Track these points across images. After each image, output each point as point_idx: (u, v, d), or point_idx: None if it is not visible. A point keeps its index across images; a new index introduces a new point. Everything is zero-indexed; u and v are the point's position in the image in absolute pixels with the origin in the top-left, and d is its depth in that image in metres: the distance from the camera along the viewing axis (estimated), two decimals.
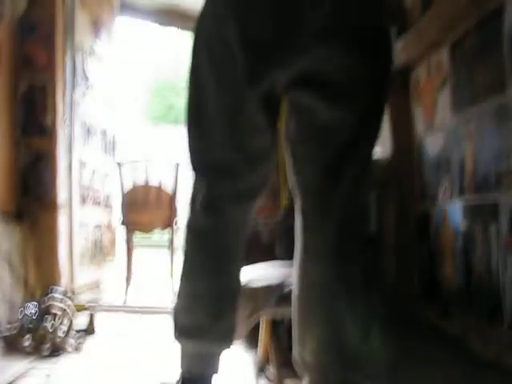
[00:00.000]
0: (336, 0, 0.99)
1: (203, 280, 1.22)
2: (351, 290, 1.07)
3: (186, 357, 1.25)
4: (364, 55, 1.02)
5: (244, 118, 1.09)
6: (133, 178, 3.50)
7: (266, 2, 1.00)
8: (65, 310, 2.16)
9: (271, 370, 1.68)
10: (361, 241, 1.11)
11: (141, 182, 3.48)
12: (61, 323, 2.12)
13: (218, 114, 1.11)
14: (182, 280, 1.27)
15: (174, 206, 3.47)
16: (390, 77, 1.11)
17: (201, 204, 1.20)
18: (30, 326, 2.08)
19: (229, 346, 1.27)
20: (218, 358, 1.27)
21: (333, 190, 1.07)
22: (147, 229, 3.67)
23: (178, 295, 1.27)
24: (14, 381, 1.71)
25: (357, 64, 1.01)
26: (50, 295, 2.28)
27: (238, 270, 1.29)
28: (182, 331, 1.24)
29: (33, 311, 2.14)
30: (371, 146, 1.15)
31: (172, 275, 3.37)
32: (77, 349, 2.08)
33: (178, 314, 1.26)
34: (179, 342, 1.26)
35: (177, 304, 1.27)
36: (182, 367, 1.25)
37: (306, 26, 0.98)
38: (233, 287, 1.27)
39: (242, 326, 1.55)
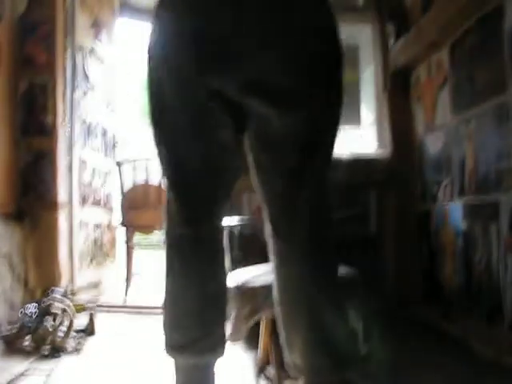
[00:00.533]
0: (275, 7, 0.97)
1: (187, 293, 1.21)
2: (328, 290, 1.07)
3: (179, 371, 1.24)
4: (310, 59, 1.00)
5: (200, 108, 1.06)
6: (133, 177, 3.49)
7: (213, 6, 0.98)
8: (65, 310, 2.16)
9: (271, 370, 1.68)
10: (331, 241, 1.11)
11: (141, 181, 3.48)
12: (61, 323, 2.11)
13: (177, 112, 1.09)
14: (166, 294, 1.25)
15: None
16: (340, 74, 1.10)
17: (176, 213, 1.19)
18: (30, 326, 2.08)
19: (222, 355, 1.27)
20: (213, 368, 1.26)
21: (297, 196, 1.07)
22: (147, 230, 3.66)
23: (165, 310, 1.26)
24: (14, 381, 1.71)
25: (303, 68, 1.00)
26: (50, 295, 2.28)
27: (223, 277, 1.28)
28: (173, 347, 1.23)
29: (33, 311, 2.14)
30: (329, 148, 1.12)
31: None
32: (77, 349, 2.07)
33: (167, 328, 1.25)
34: (171, 357, 1.25)
35: (164, 318, 1.25)
36: (177, 382, 1.24)
37: (247, 34, 0.97)
38: (219, 295, 1.26)
39: (242, 326, 1.55)
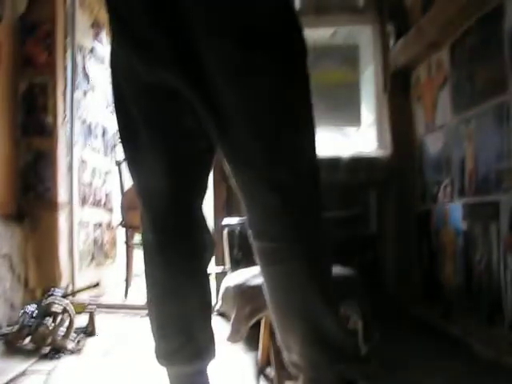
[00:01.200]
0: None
1: (165, 300, 1.19)
2: (321, 286, 1.04)
3: (172, 379, 1.24)
4: (255, 54, 0.92)
5: (154, 102, 1.05)
6: None
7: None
8: (65, 310, 2.15)
9: (271, 370, 1.68)
10: (319, 234, 1.05)
11: None
12: (61, 323, 2.11)
13: (134, 105, 1.08)
14: (148, 302, 1.24)
15: None
16: (298, 70, 0.99)
17: (145, 219, 1.18)
18: (30, 326, 2.08)
19: (212, 358, 1.25)
20: (205, 373, 1.25)
21: (269, 195, 0.99)
22: None
23: (149, 319, 1.25)
24: (14, 381, 1.71)
25: (248, 64, 0.93)
26: (50, 295, 2.28)
27: (203, 280, 1.25)
28: (161, 356, 1.23)
29: (33, 311, 2.14)
30: (298, 142, 1.01)
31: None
32: (77, 349, 2.07)
33: (155, 337, 1.24)
34: (161, 365, 1.24)
35: (151, 327, 1.24)
36: None
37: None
38: (199, 299, 1.24)
39: (242, 327, 1.55)
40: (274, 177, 0.98)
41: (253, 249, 1.08)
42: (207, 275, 1.28)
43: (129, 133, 1.13)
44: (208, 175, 1.22)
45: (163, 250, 1.18)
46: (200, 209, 1.24)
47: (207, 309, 1.26)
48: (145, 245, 1.23)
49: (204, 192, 1.23)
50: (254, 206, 1.03)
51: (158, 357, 1.24)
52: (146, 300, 1.25)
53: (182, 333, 1.19)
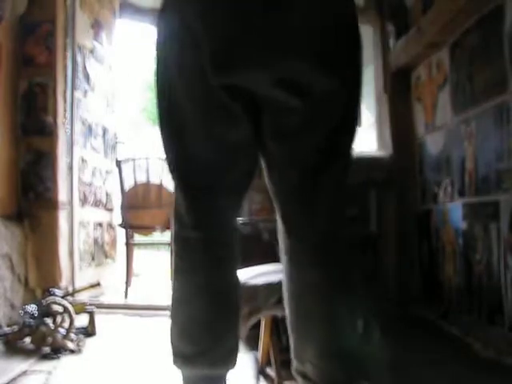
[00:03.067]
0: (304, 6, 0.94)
1: (195, 300, 1.14)
2: (341, 295, 1.02)
3: (188, 382, 1.17)
4: (332, 45, 0.97)
5: (214, 106, 1.02)
6: (133, 176, 3.49)
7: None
8: (65, 309, 2.15)
9: (271, 370, 1.68)
10: (346, 242, 1.06)
11: (142, 180, 3.47)
12: (61, 323, 2.12)
13: (188, 105, 1.04)
14: (173, 301, 1.18)
15: None
16: (360, 58, 1.04)
17: (184, 216, 1.14)
18: (30, 326, 2.08)
19: (234, 366, 1.19)
20: (224, 381, 1.19)
21: (315, 191, 1.03)
22: (147, 231, 3.66)
23: (172, 319, 1.18)
24: (14, 381, 1.71)
25: (331, 72, 0.97)
26: (51, 295, 2.28)
27: (235, 283, 1.21)
28: (183, 359, 1.16)
29: (33, 311, 2.14)
30: (349, 148, 1.09)
31: (172, 274, 3.36)
32: (77, 349, 2.07)
33: (176, 339, 1.17)
34: (179, 368, 1.17)
35: (172, 328, 1.18)
36: None
37: (277, 35, 0.93)
38: (230, 302, 1.19)
39: (242, 327, 1.55)
40: (322, 178, 1.03)
41: (280, 246, 1.07)
42: (238, 279, 1.24)
43: (175, 129, 1.08)
44: (251, 177, 1.17)
45: (206, 247, 1.14)
46: (237, 213, 1.21)
47: (237, 311, 1.21)
48: (184, 242, 1.17)
49: (245, 193, 1.19)
50: (293, 202, 1.05)
51: (176, 358, 1.17)
52: (171, 300, 1.18)
53: (209, 335, 1.14)
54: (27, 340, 2.10)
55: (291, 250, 1.05)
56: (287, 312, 1.07)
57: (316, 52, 0.95)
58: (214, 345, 1.13)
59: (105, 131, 3.60)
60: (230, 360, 1.18)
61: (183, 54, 1.00)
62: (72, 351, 2.05)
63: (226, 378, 1.19)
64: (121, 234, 3.70)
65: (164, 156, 1.13)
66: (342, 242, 1.05)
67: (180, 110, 1.05)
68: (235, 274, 1.21)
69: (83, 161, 3.16)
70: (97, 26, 3.45)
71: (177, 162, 1.12)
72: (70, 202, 2.93)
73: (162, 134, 1.11)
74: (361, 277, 1.61)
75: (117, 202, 3.72)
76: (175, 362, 1.17)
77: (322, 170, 1.03)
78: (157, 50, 1.06)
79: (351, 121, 1.07)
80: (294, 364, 1.06)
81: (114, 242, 3.81)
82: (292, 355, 1.07)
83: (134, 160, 3.49)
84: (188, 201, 1.13)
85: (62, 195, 2.82)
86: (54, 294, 2.28)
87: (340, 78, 0.99)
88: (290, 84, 0.96)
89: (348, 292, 1.02)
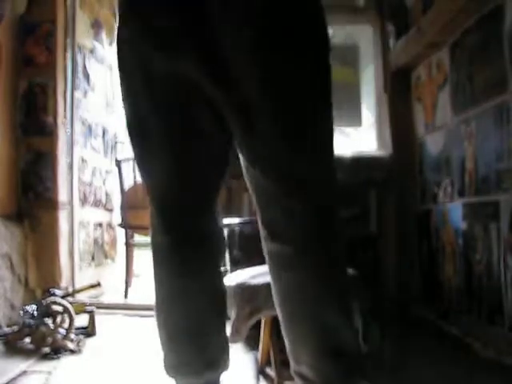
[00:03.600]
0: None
1: (175, 308, 1.11)
2: (327, 295, 0.99)
3: None
4: (280, 51, 0.90)
5: (170, 93, 0.98)
6: (133, 176, 3.49)
7: None
8: (65, 309, 2.15)
9: (271, 370, 1.68)
10: (336, 239, 1.01)
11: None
12: (61, 323, 2.11)
13: (151, 114, 1.01)
14: (156, 309, 1.15)
15: None
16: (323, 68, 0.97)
17: (156, 221, 1.12)
18: (30, 326, 2.08)
19: (227, 368, 1.18)
20: (219, 382, 1.18)
21: (292, 193, 0.97)
22: (147, 232, 3.64)
23: (158, 327, 1.16)
24: (14, 381, 1.71)
25: (273, 62, 0.90)
26: (51, 295, 2.28)
27: (217, 285, 1.18)
28: (170, 368, 1.15)
29: (33, 311, 2.14)
30: (324, 132, 1.00)
31: None
32: (77, 349, 2.07)
33: (162, 347, 1.16)
34: (170, 376, 1.16)
35: (159, 336, 1.16)
36: None
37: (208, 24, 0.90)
38: (213, 306, 1.16)
39: (242, 327, 1.55)
40: (299, 177, 0.96)
41: (264, 251, 1.04)
42: (221, 277, 1.21)
43: (138, 128, 1.07)
44: (221, 177, 1.15)
45: (175, 251, 1.11)
46: (212, 209, 1.18)
47: (221, 314, 1.19)
48: (155, 247, 1.16)
49: (216, 193, 1.17)
50: (273, 206, 1.00)
51: (166, 368, 1.16)
52: (154, 306, 1.17)
53: (193, 343, 1.11)
54: (27, 340, 2.10)
55: (274, 254, 1.02)
56: (279, 316, 1.05)
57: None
58: (196, 353, 1.11)
59: (105, 131, 3.60)
60: (217, 365, 1.16)
61: (132, 47, 0.99)
62: (72, 351, 2.05)
63: (220, 380, 1.18)
64: (121, 234, 3.70)
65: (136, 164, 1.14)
66: (327, 240, 1.00)
67: (139, 109, 1.03)
68: (214, 275, 1.18)
69: (83, 161, 3.16)
70: (97, 26, 3.45)
71: (143, 164, 1.11)
72: (70, 202, 2.93)
73: (130, 141, 1.11)
74: (360, 278, 1.62)
75: (116, 202, 3.71)
76: (166, 371, 1.16)
77: (297, 166, 0.97)
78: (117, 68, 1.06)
79: (311, 110, 0.96)
80: (292, 365, 1.05)
81: (113, 242, 3.81)
82: (289, 357, 1.06)
83: (133, 160, 3.48)
84: (155, 205, 1.12)
85: (62, 195, 2.82)
86: (54, 294, 2.28)
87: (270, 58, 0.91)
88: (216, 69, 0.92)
89: (336, 290, 1.00)
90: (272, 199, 0.99)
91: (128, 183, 3.48)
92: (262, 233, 1.04)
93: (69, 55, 2.94)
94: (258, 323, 1.66)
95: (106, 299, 3.18)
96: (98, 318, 2.39)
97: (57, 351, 2.01)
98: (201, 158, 1.07)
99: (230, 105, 0.95)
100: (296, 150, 0.95)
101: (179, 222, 1.11)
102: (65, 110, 2.87)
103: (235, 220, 2.26)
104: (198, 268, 1.13)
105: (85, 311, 2.34)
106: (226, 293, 1.23)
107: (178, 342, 1.13)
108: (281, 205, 0.98)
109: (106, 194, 3.64)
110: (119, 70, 1.05)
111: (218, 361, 1.16)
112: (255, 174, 1.00)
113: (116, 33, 1.03)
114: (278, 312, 1.05)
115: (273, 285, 1.05)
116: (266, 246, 1.04)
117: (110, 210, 3.74)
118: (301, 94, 0.94)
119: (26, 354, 2.01)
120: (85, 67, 3.20)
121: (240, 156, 1.03)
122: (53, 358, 1.97)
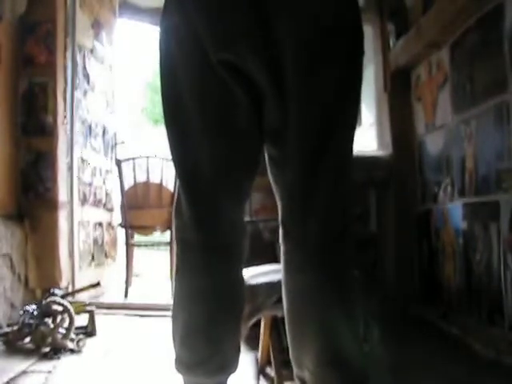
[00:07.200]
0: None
1: (196, 307, 1.10)
2: (336, 301, 0.99)
3: None
4: (326, 40, 0.93)
5: (216, 87, 0.98)
6: (133, 176, 3.49)
7: None
8: (65, 309, 2.15)
9: (271, 370, 1.68)
10: (344, 243, 1.02)
11: (142, 179, 3.46)
12: (61, 323, 2.11)
13: (191, 94, 1.00)
14: (173, 306, 1.14)
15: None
16: (360, 51, 1.00)
17: (187, 216, 1.10)
18: (30, 325, 2.08)
19: (235, 370, 1.17)
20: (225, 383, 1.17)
21: (312, 194, 0.99)
22: (147, 231, 3.65)
23: (173, 324, 1.15)
24: (14, 380, 1.71)
25: (320, 50, 0.93)
26: (51, 295, 2.28)
27: (237, 287, 1.17)
28: (181, 365, 1.13)
29: (33, 311, 2.14)
30: (348, 139, 1.06)
31: (172, 274, 3.36)
32: (77, 349, 2.07)
33: (176, 344, 1.14)
34: (180, 374, 1.15)
35: (173, 334, 1.15)
36: None
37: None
38: (231, 308, 1.15)
39: (242, 327, 1.55)
40: (323, 177, 0.99)
41: (281, 250, 1.04)
42: (242, 280, 1.20)
43: (178, 117, 1.05)
44: (251, 180, 1.13)
45: (205, 250, 1.10)
46: (241, 212, 1.16)
47: (238, 318, 1.18)
48: (184, 243, 1.13)
49: (246, 196, 1.16)
50: (290, 200, 1.02)
51: (177, 364, 1.15)
52: (172, 304, 1.15)
53: (209, 343, 1.10)
54: (27, 340, 2.10)
55: (288, 253, 1.03)
56: (285, 317, 1.05)
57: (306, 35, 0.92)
58: (212, 354, 1.10)
59: (105, 131, 3.60)
60: (230, 367, 1.15)
61: (184, 41, 0.98)
62: (72, 351, 2.05)
63: (227, 382, 1.17)
64: (121, 233, 3.70)
65: (170, 154, 1.10)
66: (339, 243, 1.01)
67: (183, 106, 1.02)
68: (238, 277, 1.17)
69: (83, 161, 3.16)
70: (97, 26, 3.45)
71: (180, 158, 1.09)
72: (70, 202, 2.93)
73: (167, 130, 1.08)
74: (360, 279, 1.61)
75: (116, 201, 3.71)
76: (177, 368, 1.15)
77: (319, 161, 0.99)
78: (160, 45, 1.04)
79: (350, 105, 1.02)
80: (294, 370, 1.04)
81: (114, 242, 3.81)
82: (291, 360, 1.05)
83: (133, 159, 3.48)
84: (189, 200, 1.09)
85: (62, 195, 2.82)
86: (54, 294, 2.28)
87: (332, 64, 0.95)
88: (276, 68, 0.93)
89: (344, 297, 1.00)
90: (292, 190, 1.02)
91: (128, 183, 3.48)
92: (280, 232, 1.06)
93: (69, 55, 2.94)
94: (258, 323, 1.66)
95: (105, 299, 3.19)
96: (98, 318, 2.39)
97: (57, 351, 2.01)
98: (237, 155, 1.07)
99: (273, 92, 0.97)
100: (321, 151, 1.00)
101: (212, 221, 1.10)
102: (65, 110, 2.87)
103: None
104: (224, 270, 1.13)
105: (85, 311, 2.34)
106: (244, 298, 1.22)
107: (194, 340, 1.12)
108: (299, 197, 1.00)
109: (106, 194, 3.64)
110: (176, 46, 1.02)
111: (230, 364, 1.16)
112: (279, 172, 1.03)
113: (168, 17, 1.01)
114: (285, 315, 1.05)
115: (283, 285, 1.05)
116: (282, 245, 1.05)
117: (110, 210, 3.74)
118: (340, 94, 0.98)
119: (25, 353, 2.01)
120: (85, 67, 3.20)
121: (267, 153, 1.06)
122: (53, 358, 1.97)
